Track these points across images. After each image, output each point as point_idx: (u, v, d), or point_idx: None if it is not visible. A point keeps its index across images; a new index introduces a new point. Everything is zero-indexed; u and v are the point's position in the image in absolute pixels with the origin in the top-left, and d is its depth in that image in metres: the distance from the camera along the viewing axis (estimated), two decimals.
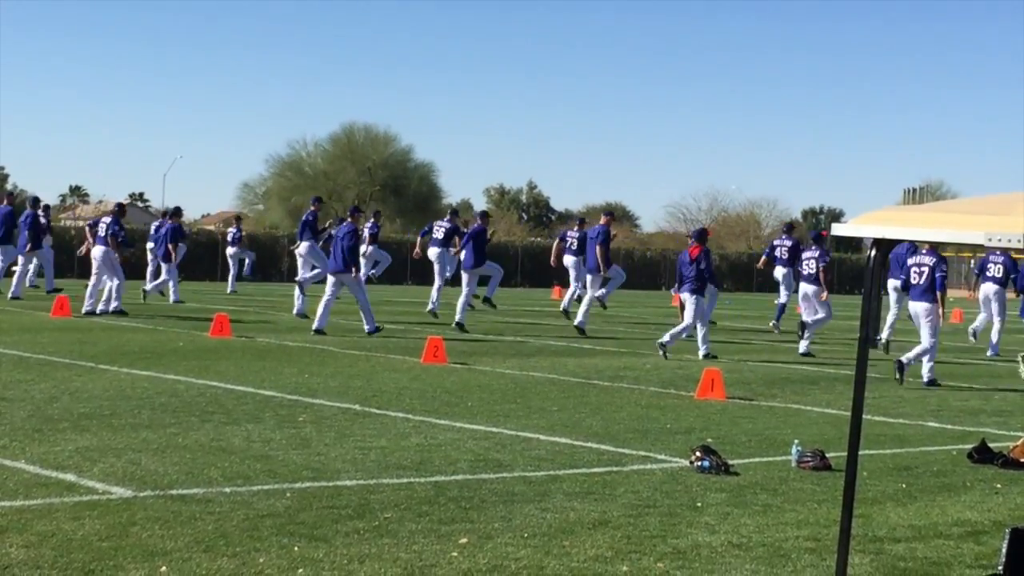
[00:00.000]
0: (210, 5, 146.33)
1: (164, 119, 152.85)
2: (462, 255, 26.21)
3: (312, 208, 28.71)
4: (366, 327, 22.18)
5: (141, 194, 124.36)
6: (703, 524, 8.34)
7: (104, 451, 9.92)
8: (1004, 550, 6.09)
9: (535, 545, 7.55)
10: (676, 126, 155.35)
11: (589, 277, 25.71)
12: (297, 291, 27.09)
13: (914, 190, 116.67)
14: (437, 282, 28.25)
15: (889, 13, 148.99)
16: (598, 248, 25.16)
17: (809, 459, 10.64)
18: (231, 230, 39.57)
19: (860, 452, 11.53)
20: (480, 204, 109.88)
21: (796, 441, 11.07)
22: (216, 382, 14.69)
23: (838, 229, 4.98)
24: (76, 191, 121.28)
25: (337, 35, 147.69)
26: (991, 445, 11.62)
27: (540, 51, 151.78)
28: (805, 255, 22.82)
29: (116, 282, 25.29)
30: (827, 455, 10.73)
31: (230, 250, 38.84)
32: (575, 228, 28.67)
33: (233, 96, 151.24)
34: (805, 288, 22.50)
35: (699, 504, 8.96)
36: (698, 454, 10.38)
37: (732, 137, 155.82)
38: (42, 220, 30.18)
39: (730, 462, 10.37)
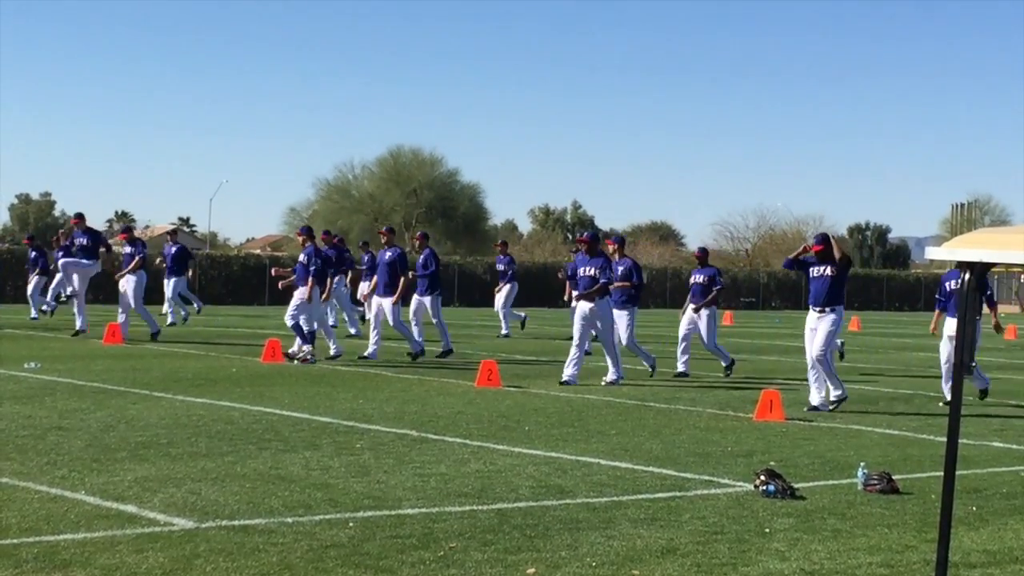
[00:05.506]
0: (257, 32, 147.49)
1: (210, 144, 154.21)
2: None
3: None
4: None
5: (187, 219, 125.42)
6: (773, 551, 8.18)
7: (164, 481, 9.85)
8: None
9: (604, 574, 7.41)
10: (722, 144, 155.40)
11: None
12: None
13: (962, 205, 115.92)
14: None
15: (932, 31, 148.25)
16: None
17: (876, 482, 10.45)
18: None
19: (926, 474, 11.43)
20: (525, 225, 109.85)
21: (863, 464, 10.87)
22: (271, 408, 14.63)
23: (932, 253, 4.81)
24: (123, 216, 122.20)
25: (384, 60, 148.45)
26: None
27: (584, 72, 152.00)
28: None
29: None
30: (894, 477, 10.54)
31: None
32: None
33: (279, 121, 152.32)
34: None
35: (767, 530, 8.79)
36: (763, 478, 10.20)
37: (778, 155, 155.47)
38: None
39: (795, 486, 10.20)
